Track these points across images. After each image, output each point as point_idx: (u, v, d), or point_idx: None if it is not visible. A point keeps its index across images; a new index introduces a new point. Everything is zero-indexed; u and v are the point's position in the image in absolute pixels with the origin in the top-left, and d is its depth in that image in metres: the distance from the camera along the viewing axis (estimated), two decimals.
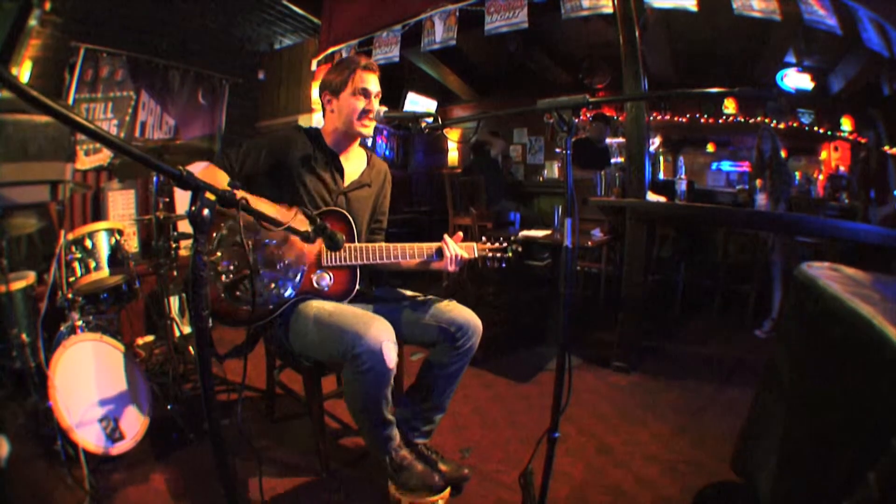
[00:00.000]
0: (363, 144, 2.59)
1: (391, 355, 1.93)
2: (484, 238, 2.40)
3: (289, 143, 2.33)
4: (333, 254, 2.21)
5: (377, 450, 2.17)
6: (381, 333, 1.94)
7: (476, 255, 2.33)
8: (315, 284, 2.21)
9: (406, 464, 2.15)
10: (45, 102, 0.89)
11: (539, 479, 1.74)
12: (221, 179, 2.17)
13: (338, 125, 2.37)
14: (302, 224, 1.69)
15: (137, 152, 1.05)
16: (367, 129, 2.34)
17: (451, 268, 2.25)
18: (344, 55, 5.34)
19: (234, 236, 2.16)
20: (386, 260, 2.25)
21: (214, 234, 2.15)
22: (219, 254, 2.12)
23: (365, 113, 2.31)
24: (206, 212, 1.11)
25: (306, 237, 1.67)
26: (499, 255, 2.35)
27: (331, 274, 2.23)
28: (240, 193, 1.24)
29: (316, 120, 5.91)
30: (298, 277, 2.19)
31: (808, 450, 1.57)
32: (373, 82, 2.33)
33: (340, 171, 2.42)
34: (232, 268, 2.13)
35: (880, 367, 1.28)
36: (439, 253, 2.26)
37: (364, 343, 1.89)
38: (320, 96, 2.42)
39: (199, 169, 2.20)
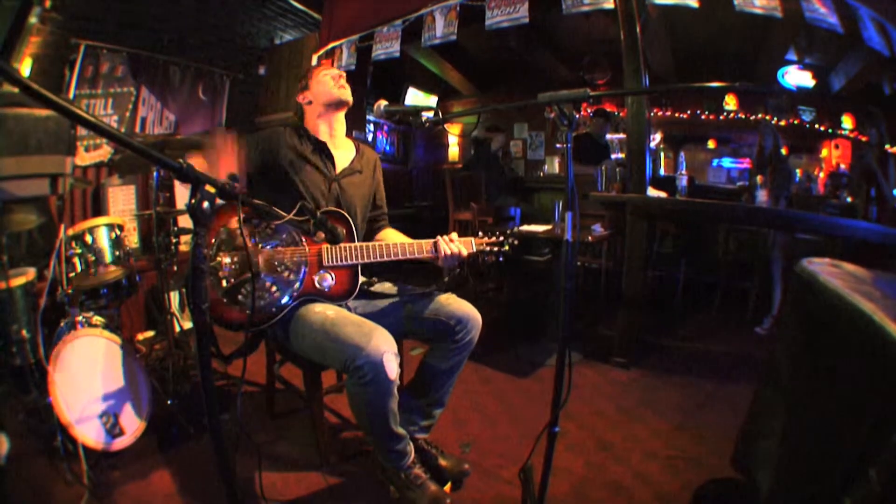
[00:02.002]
0: (350, 135, 2.62)
1: (392, 366, 1.92)
2: (480, 233, 2.40)
3: (277, 137, 2.38)
4: (335, 253, 2.20)
5: (389, 463, 2.15)
6: (382, 345, 1.92)
7: (473, 250, 2.34)
8: (317, 285, 2.20)
9: (419, 483, 2.14)
10: (48, 96, 0.89)
11: (539, 475, 1.74)
12: None
13: (318, 108, 2.46)
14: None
15: (138, 145, 1.05)
16: (344, 93, 2.44)
17: (448, 263, 2.27)
18: (344, 50, 5.34)
19: (233, 240, 2.15)
20: (386, 258, 2.25)
21: (213, 239, 2.14)
22: (218, 258, 2.11)
23: (336, 80, 2.44)
24: (205, 204, 1.11)
25: (307, 231, 1.67)
26: (496, 248, 2.36)
27: (332, 274, 2.22)
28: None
29: None
30: (300, 279, 2.18)
31: (809, 446, 1.57)
32: (334, 71, 2.49)
33: (331, 157, 2.45)
34: (232, 271, 2.12)
35: (881, 363, 1.27)
36: (437, 249, 2.28)
37: (364, 355, 1.87)
38: (297, 100, 2.54)
39: None
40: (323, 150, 2.43)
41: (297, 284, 2.17)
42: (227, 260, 2.11)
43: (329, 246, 2.18)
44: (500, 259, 2.38)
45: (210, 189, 1.13)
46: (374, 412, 1.97)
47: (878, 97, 6.30)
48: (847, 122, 7.04)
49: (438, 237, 2.27)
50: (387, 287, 2.48)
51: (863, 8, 3.72)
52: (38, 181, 2.42)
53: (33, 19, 4.20)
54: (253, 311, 2.09)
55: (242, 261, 2.12)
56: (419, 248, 2.29)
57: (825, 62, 6.74)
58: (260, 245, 2.15)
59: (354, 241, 2.29)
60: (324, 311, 2.11)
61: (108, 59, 4.75)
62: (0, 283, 2.60)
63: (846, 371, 1.44)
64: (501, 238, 2.37)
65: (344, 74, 2.50)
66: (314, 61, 5.82)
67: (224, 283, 2.11)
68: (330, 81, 2.44)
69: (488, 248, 2.36)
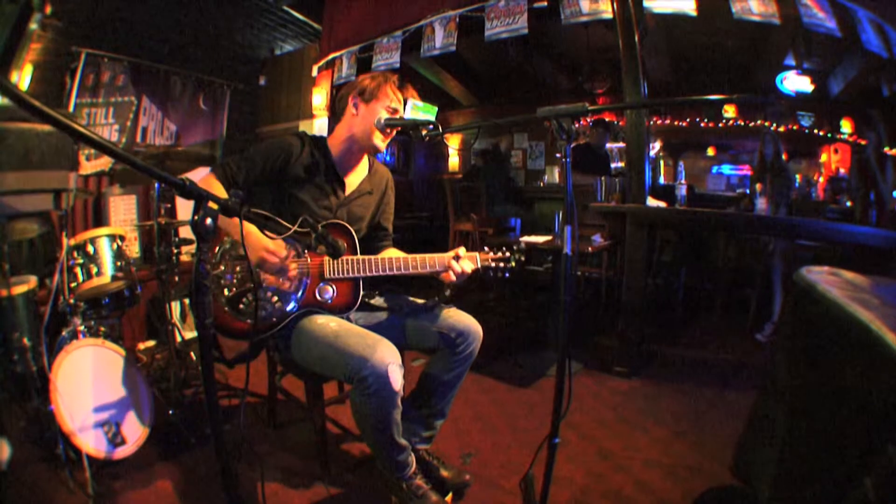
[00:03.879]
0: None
1: (397, 378, 1.91)
2: (486, 248, 2.36)
3: (290, 151, 2.27)
4: (337, 266, 2.19)
5: (391, 473, 2.14)
6: (387, 356, 1.91)
7: (478, 266, 2.29)
8: (318, 297, 2.19)
9: (421, 493, 2.13)
10: (45, 111, 0.89)
11: (540, 485, 1.75)
12: (218, 192, 2.11)
13: (355, 131, 2.32)
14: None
15: (141, 162, 1.06)
16: (383, 144, 2.31)
17: (454, 280, 2.24)
18: (344, 61, 5.38)
19: (236, 249, 2.16)
20: (389, 272, 2.23)
21: (217, 248, 2.15)
22: (222, 267, 2.12)
23: (387, 132, 2.28)
24: (208, 221, 1.12)
25: (308, 245, 1.67)
26: (502, 264, 2.31)
27: (334, 286, 2.22)
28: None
29: (318, 126, 5.93)
30: (301, 290, 2.18)
31: (808, 454, 1.58)
32: (401, 101, 2.31)
33: (341, 182, 2.38)
34: (234, 281, 2.13)
35: (878, 372, 1.28)
36: (441, 265, 2.23)
37: (369, 366, 1.87)
38: (347, 97, 2.35)
39: (197, 179, 2.20)
40: (335, 175, 2.36)
41: (298, 296, 2.18)
42: (229, 269, 2.12)
43: (331, 259, 2.18)
44: (507, 275, 2.31)
45: (213, 205, 1.14)
46: (378, 423, 1.97)
47: (877, 100, 6.32)
48: (846, 126, 7.06)
49: (451, 260, 2.21)
50: (388, 299, 2.48)
51: (861, 10, 3.74)
52: (41, 196, 2.43)
53: (34, 26, 4.22)
54: (256, 320, 2.10)
55: (244, 270, 2.13)
56: (422, 263, 2.24)
57: (824, 66, 6.76)
58: None
59: (357, 254, 2.27)
60: (326, 323, 2.11)
61: (109, 67, 4.78)
62: (2, 291, 2.61)
63: (844, 380, 1.45)
64: (508, 254, 2.32)
65: (401, 120, 2.28)
66: (314, 72, 5.85)
67: (226, 291, 2.12)
68: (383, 117, 2.26)
69: (494, 265, 2.31)
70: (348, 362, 1.92)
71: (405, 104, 2.34)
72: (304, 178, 2.28)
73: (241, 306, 2.12)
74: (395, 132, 2.30)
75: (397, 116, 2.28)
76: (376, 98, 2.28)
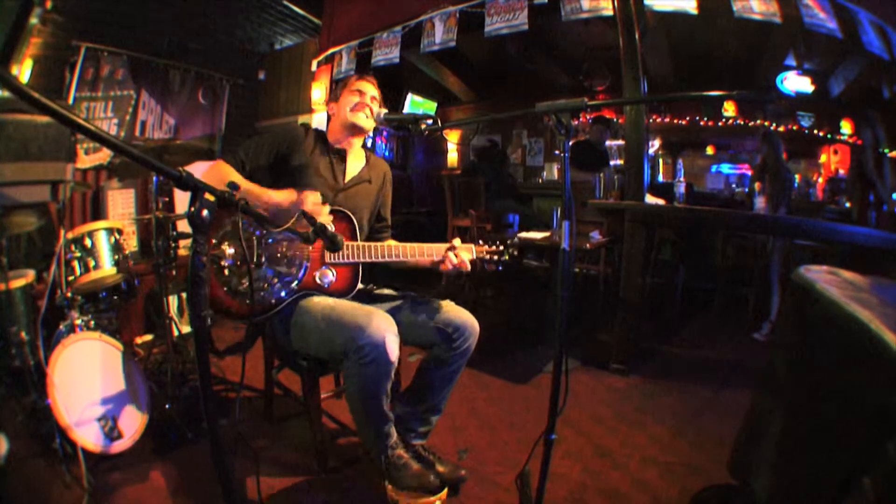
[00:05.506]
0: (363, 146, 2.62)
1: (393, 347, 1.95)
2: (481, 241, 2.41)
3: (295, 140, 2.39)
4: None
5: (374, 447, 2.17)
6: (383, 326, 1.96)
7: (474, 257, 2.35)
8: (318, 281, 2.22)
9: (402, 463, 2.15)
10: (45, 103, 0.89)
11: (536, 481, 1.75)
12: (233, 176, 2.20)
13: (336, 124, 2.50)
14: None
15: (137, 153, 1.05)
16: (360, 119, 2.43)
17: (451, 269, 2.27)
18: (344, 56, 5.36)
19: (238, 231, 2.16)
20: (388, 258, 2.28)
21: (219, 230, 2.15)
22: (223, 247, 2.13)
23: (357, 105, 2.42)
24: (205, 212, 1.12)
25: (306, 238, 1.67)
26: (495, 257, 2.37)
27: (334, 271, 2.25)
28: (239, 191, 1.24)
29: (317, 120, 5.94)
30: (301, 273, 2.20)
31: (806, 453, 1.57)
32: (366, 87, 2.47)
33: (342, 168, 2.47)
34: (234, 262, 2.13)
35: (877, 372, 1.28)
36: (439, 254, 2.28)
37: (366, 335, 1.91)
38: (327, 107, 2.61)
39: (207, 166, 2.23)
40: (335, 161, 2.46)
41: (298, 278, 2.20)
42: (230, 251, 2.13)
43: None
44: (500, 268, 2.38)
45: (210, 197, 1.13)
46: (371, 393, 2.00)
47: (878, 101, 6.31)
48: (846, 127, 7.05)
49: (448, 251, 2.27)
50: (385, 293, 2.49)
51: (862, 12, 3.73)
52: (39, 187, 2.43)
53: (34, 20, 4.22)
54: (252, 301, 2.11)
55: (245, 252, 2.14)
56: (420, 251, 2.30)
57: (824, 67, 6.75)
58: (265, 239, 2.17)
59: (357, 241, 2.31)
60: (324, 300, 2.16)
61: (108, 61, 4.77)
62: (0, 284, 2.60)
63: (843, 379, 1.44)
64: (502, 247, 2.37)
65: (372, 98, 2.48)
66: (313, 67, 5.84)
67: (226, 272, 2.12)
68: (352, 102, 2.44)
69: (488, 257, 2.37)
70: (344, 333, 1.96)
71: (374, 89, 2.52)
72: (306, 164, 2.36)
73: (241, 288, 2.13)
74: (366, 107, 2.44)
75: (367, 98, 2.46)
76: (342, 93, 2.50)
